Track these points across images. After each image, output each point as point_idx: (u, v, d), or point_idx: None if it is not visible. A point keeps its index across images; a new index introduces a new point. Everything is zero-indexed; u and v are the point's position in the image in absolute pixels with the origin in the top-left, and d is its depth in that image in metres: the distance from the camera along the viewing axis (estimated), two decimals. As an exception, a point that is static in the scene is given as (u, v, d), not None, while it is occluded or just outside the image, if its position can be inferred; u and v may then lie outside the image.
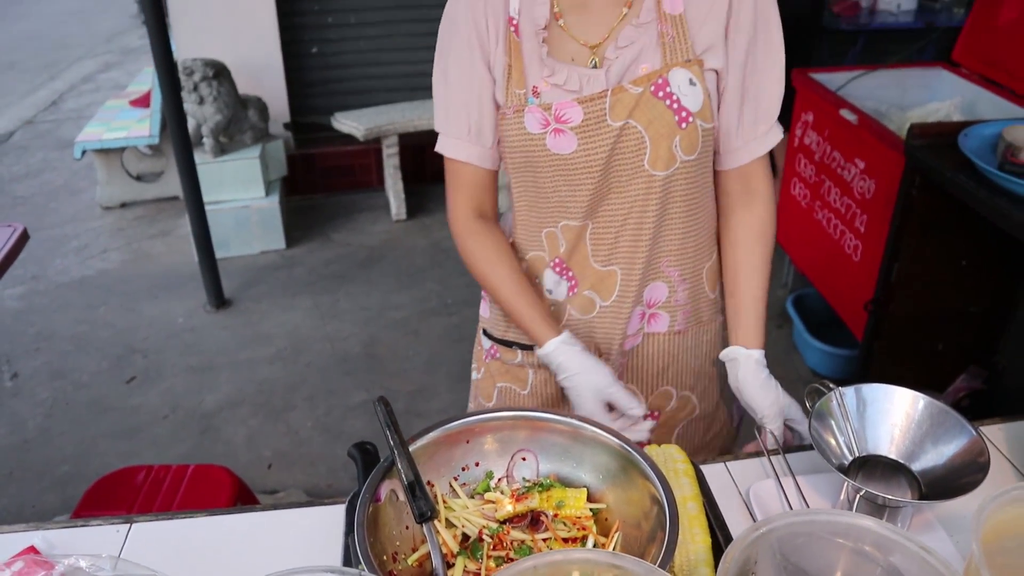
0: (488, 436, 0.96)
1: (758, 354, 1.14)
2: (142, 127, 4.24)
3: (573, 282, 1.19)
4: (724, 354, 1.17)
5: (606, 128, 1.05)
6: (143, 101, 4.51)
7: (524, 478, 0.96)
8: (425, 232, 3.93)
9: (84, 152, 4.22)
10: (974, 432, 0.89)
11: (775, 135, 1.13)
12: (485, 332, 1.33)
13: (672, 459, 0.99)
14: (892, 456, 0.93)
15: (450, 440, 0.95)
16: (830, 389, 0.97)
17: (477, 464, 0.96)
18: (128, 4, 11.88)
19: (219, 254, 3.41)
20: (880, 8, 4.16)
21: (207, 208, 3.28)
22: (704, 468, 1.01)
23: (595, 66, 1.06)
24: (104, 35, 10.36)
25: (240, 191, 3.74)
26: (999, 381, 1.69)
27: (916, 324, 2.24)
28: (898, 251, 2.15)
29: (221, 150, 3.72)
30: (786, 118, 3.37)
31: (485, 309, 1.35)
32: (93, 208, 4.51)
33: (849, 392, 0.96)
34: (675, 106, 1.04)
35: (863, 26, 4.02)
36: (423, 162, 4.38)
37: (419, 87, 4.26)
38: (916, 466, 0.91)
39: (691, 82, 1.04)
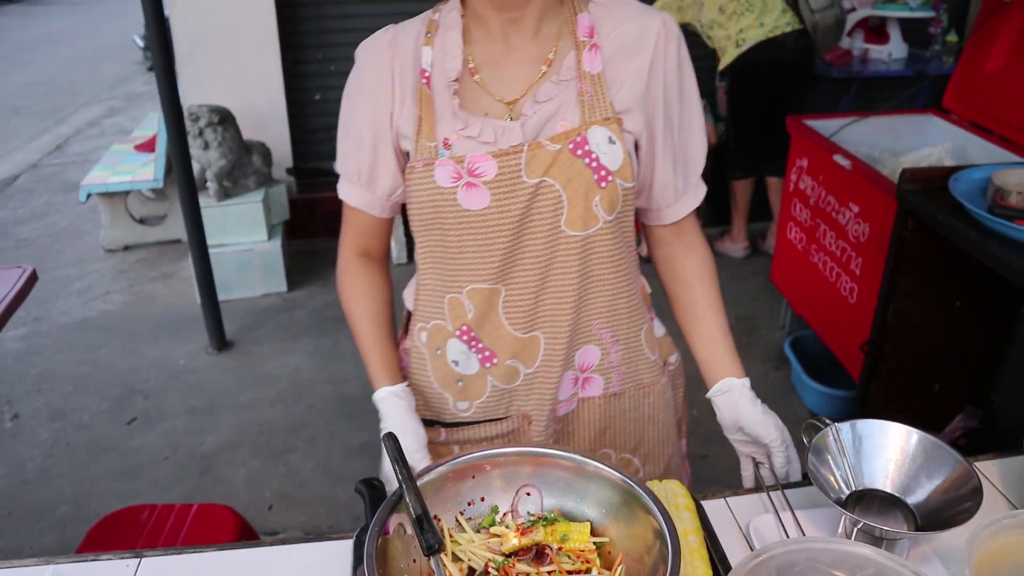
0: (494, 472, 0.98)
1: (748, 382, 1.14)
2: (147, 171, 4.30)
3: (488, 353, 1.13)
4: (716, 389, 1.15)
5: (521, 184, 1.02)
6: (148, 146, 4.59)
7: (529, 512, 0.98)
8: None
9: (89, 195, 4.28)
10: (967, 465, 0.91)
11: (703, 188, 1.17)
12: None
13: (673, 493, 1.01)
14: (888, 490, 0.96)
15: (457, 476, 0.97)
16: (826, 425, 0.99)
17: (483, 499, 0.98)
18: (133, 51, 12.08)
19: (221, 296, 3.44)
20: (871, 57, 4.26)
21: (210, 251, 3.32)
22: (704, 503, 1.03)
23: (511, 119, 1.04)
24: (109, 81, 10.52)
25: (243, 234, 3.78)
26: (995, 420, 1.71)
27: (912, 365, 2.27)
28: (893, 293, 2.19)
29: (225, 194, 3.77)
30: (781, 164, 3.45)
31: None
32: (96, 250, 4.55)
33: (845, 428, 0.99)
34: (594, 164, 1.02)
35: (855, 74, 4.11)
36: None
37: (420, 132, 4.33)
38: (912, 499, 0.94)
39: (610, 140, 1.03)
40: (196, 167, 3.56)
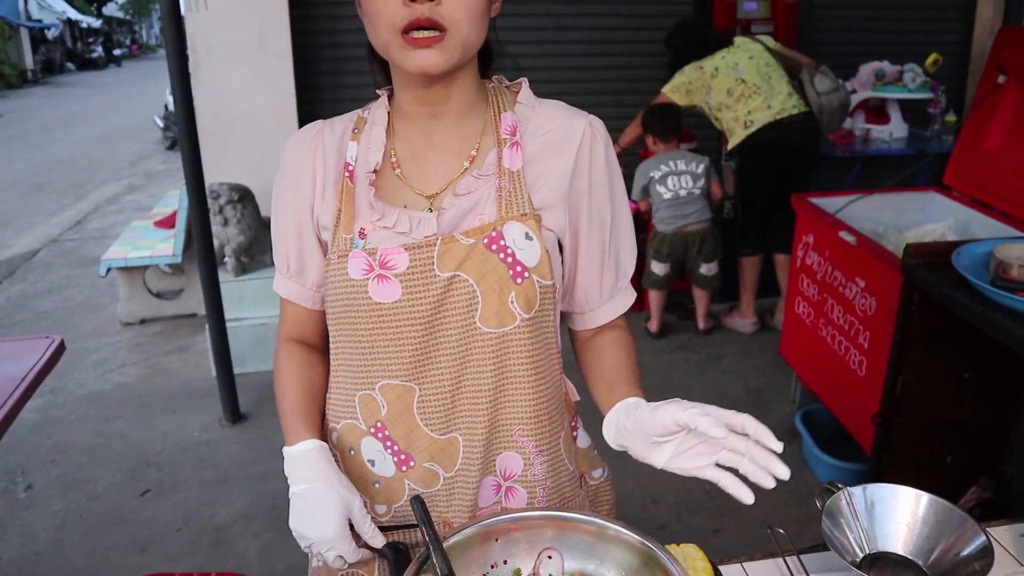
0: (517, 535, 1.00)
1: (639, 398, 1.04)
2: (166, 247, 4.40)
3: (404, 456, 1.07)
4: (605, 427, 1.05)
5: (433, 277, 0.99)
6: (167, 222, 4.70)
7: (551, 575, 1.00)
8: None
9: (109, 269, 4.37)
10: (976, 526, 0.94)
11: (631, 294, 1.14)
12: None
13: (691, 557, 1.03)
14: (902, 553, 0.98)
15: (481, 538, 0.99)
16: (839, 489, 1.02)
17: (506, 562, 1.00)
18: (152, 131, 12.44)
19: (236, 370, 3.48)
20: (873, 136, 4.39)
21: (227, 325, 3.38)
22: (721, 568, 1.05)
23: (430, 211, 1.03)
24: (128, 159, 10.80)
25: (259, 309, 3.85)
26: (1007, 490, 1.72)
27: (923, 437, 2.28)
28: (901, 365, 2.22)
29: (242, 269, 3.86)
30: (788, 240, 3.53)
31: None
32: (113, 324, 4.63)
33: (857, 492, 1.01)
34: (509, 260, 0.99)
35: (858, 153, 4.22)
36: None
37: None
38: (924, 561, 0.96)
39: (527, 236, 1.00)
40: (215, 243, 3.66)
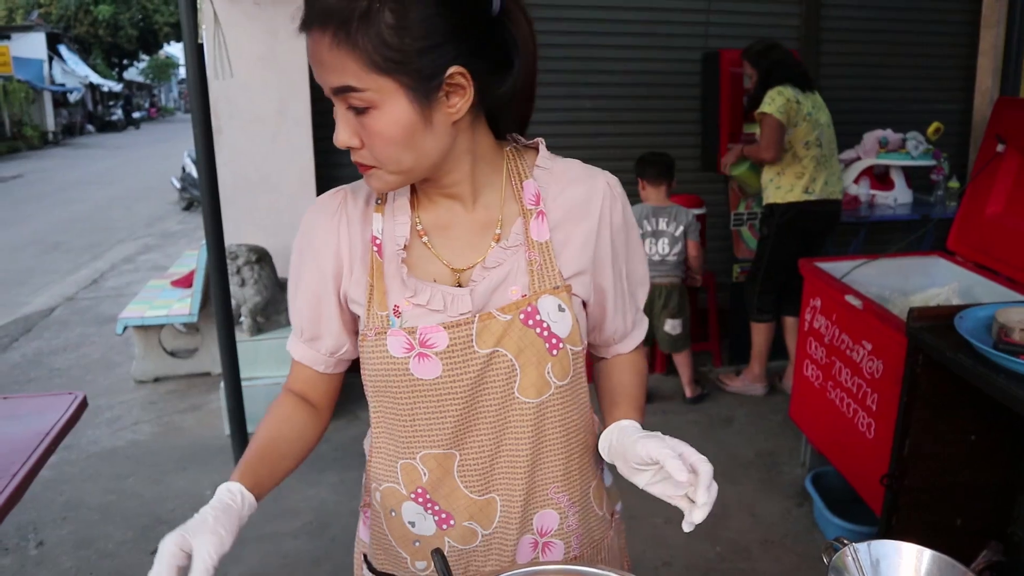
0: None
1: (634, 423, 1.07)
2: (183, 306, 4.48)
3: (444, 515, 1.10)
4: (600, 442, 1.09)
5: (473, 355, 1.01)
6: (184, 281, 4.79)
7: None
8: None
9: (126, 328, 4.44)
10: (979, 584, 0.96)
11: (645, 322, 1.22)
12: (366, 560, 1.18)
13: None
14: (907, 609, 1.00)
15: (499, 590, 1.02)
16: (845, 545, 1.05)
17: (522, 614, 1.03)
18: (168, 191, 12.69)
19: (249, 429, 3.51)
20: (878, 202, 4.47)
21: (242, 384, 3.42)
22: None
23: (459, 285, 1.04)
24: (145, 220, 10.99)
25: (273, 369, 3.90)
26: (1017, 553, 1.73)
27: (933, 498, 2.29)
28: (908, 427, 2.24)
29: (258, 329, 3.92)
30: (796, 304, 3.58)
31: (364, 531, 1.25)
32: (127, 382, 4.67)
33: (863, 548, 1.04)
34: (545, 334, 1.02)
35: (863, 219, 4.29)
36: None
37: (445, 270, 4.51)
38: (929, 617, 0.98)
39: (560, 308, 1.03)
40: (232, 303, 3.72)
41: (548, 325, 1.03)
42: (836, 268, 3.05)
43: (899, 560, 1.03)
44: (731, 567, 2.75)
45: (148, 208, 11.99)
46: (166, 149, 21.78)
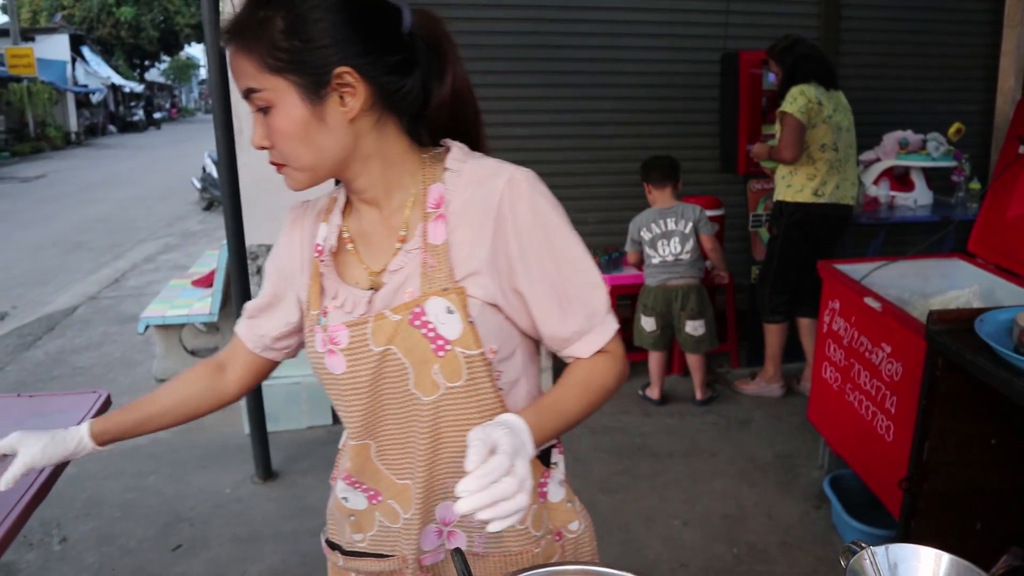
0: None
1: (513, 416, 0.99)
2: (203, 305, 4.52)
3: (372, 492, 1.18)
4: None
5: (369, 352, 1.08)
6: (205, 281, 4.84)
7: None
8: (466, 408, 4.06)
9: (147, 327, 4.49)
10: (997, 587, 0.96)
11: (609, 325, 1.12)
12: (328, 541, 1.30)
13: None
14: (925, 613, 1.00)
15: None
16: (862, 548, 1.05)
17: (539, 613, 1.04)
18: (189, 192, 12.80)
19: (268, 427, 3.54)
20: (898, 204, 4.44)
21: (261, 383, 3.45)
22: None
23: (373, 289, 1.11)
24: (166, 220, 11.09)
25: (292, 368, 3.92)
26: (1036, 559, 1.72)
27: (952, 503, 2.28)
28: (927, 431, 2.23)
29: (277, 327, 3.95)
30: (811, 305, 3.57)
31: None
32: (148, 380, 4.72)
33: (881, 551, 1.04)
34: (431, 335, 1.05)
35: (883, 220, 4.27)
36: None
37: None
38: (947, 621, 0.98)
39: (448, 310, 1.05)
40: (252, 301, 3.76)
41: (435, 327, 1.05)
42: (855, 270, 3.03)
43: (917, 564, 1.03)
44: (748, 569, 2.75)
45: (169, 208, 12.11)
46: (187, 149, 21.97)
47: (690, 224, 3.88)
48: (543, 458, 1.21)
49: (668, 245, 3.90)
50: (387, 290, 1.09)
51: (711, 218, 4.26)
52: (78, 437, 1.21)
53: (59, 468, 1.72)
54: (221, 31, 1.03)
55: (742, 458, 3.51)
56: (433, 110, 1.11)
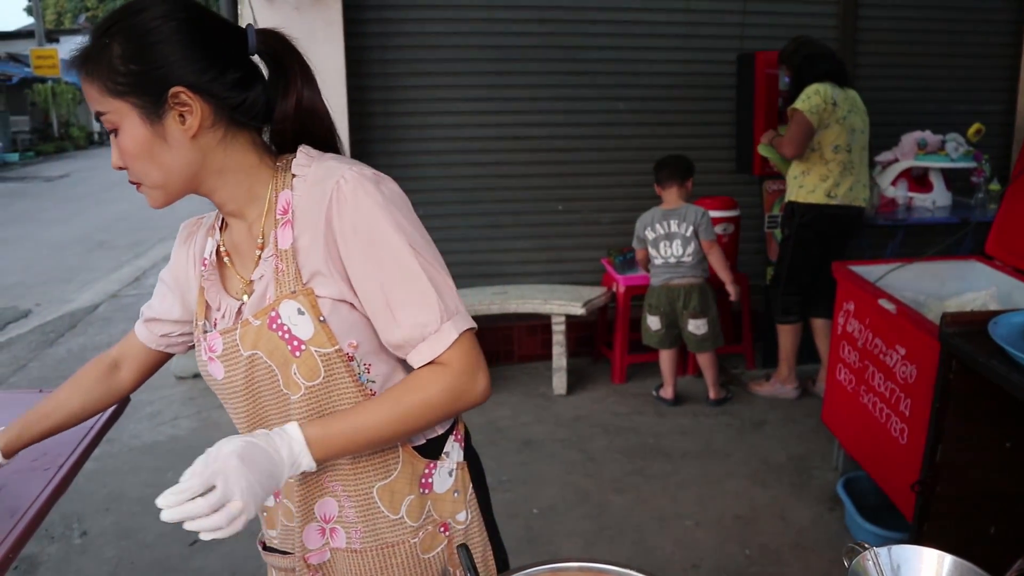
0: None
1: (295, 435, 1.04)
2: (222, 303, 4.56)
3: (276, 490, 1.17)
4: None
5: (239, 357, 1.13)
6: (224, 279, 4.88)
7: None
8: (481, 410, 4.06)
9: (166, 325, 4.54)
10: (998, 589, 0.97)
11: (444, 338, 1.09)
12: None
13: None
14: (927, 613, 1.01)
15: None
16: (865, 549, 1.06)
17: (542, 609, 1.06)
18: (209, 191, 12.90)
19: (285, 423, 3.57)
20: (916, 205, 4.41)
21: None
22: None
23: (246, 296, 1.17)
24: (185, 218, 11.12)
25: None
26: (1049, 563, 1.71)
27: (965, 506, 2.27)
28: (941, 433, 2.23)
29: (294, 325, 3.99)
30: (825, 306, 3.56)
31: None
32: (167, 377, 4.78)
33: (883, 552, 1.05)
34: (287, 336, 1.09)
35: (900, 221, 4.24)
36: (481, 343, 4.58)
37: (478, 274, 4.56)
38: (948, 622, 0.99)
39: (299, 312, 1.08)
40: (270, 300, 3.80)
41: (289, 328, 1.09)
42: (870, 271, 3.02)
43: (920, 565, 1.03)
44: (761, 571, 2.75)
45: (189, 206, 12.00)
46: (207, 149, 22.10)
47: (691, 228, 3.88)
48: (430, 449, 1.21)
49: (670, 247, 3.91)
50: (253, 298, 1.15)
51: (726, 219, 4.27)
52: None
53: (79, 463, 1.76)
54: (69, 60, 1.10)
55: (756, 459, 3.50)
56: (277, 122, 1.16)
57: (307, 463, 1.03)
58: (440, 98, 4.42)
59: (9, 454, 1.34)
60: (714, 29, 4.56)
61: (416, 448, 1.19)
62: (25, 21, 36.25)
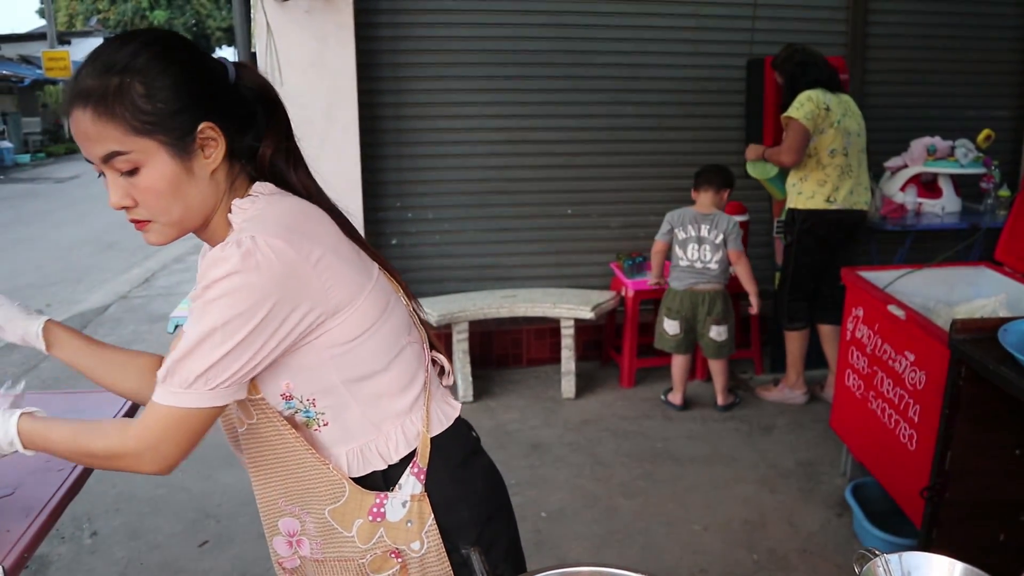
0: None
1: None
2: (231, 305, 4.58)
3: None
4: None
5: None
6: (233, 282, 4.90)
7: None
8: (490, 414, 4.09)
9: (177, 326, 4.56)
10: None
11: (167, 397, 1.06)
12: None
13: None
14: (937, 620, 1.01)
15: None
16: (876, 555, 1.06)
17: (553, 613, 1.06)
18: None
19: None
20: (925, 211, 4.40)
21: (288, 381, 3.50)
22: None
23: None
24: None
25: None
26: (1058, 571, 1.71)
27: (975, 513, 2.27)
28: (950, 440, 2.23)
29: (303, 328, 4.00)
30: (833, 312, 3.56)
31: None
32: (177, 379, 4.80)
33: (894, 559, 1.05)
34: None
35: (909, 227, 4.24)
36: (490, 347, 4.62)
37: (487, 277, 4.57)
38: (958, 628, 0.99)
39: None
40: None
41: None
42: (879, 277, 3.02)
43: (930, 572, 1.04)
44: (769, 576, 2.75)
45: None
46: (216, 151, 22.17)
47: (720, 235, 3.89)
48: (384, 480, 1.22)
49: (698, 251, 3.91)
50: None
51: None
52: (34, 328, 1.28)
53: (90, 467, 1.77)
54: (68, 98, 1.05)
55: (764, 464, 3.50)
56: (260, 158, 1.18)
57: (18, 446, 1.16)
58: (451, 101, 4.44)
59: (50, 347, 1.31)
60: (724, 34, 4.56)
61: (358, 480, 1.21)
62: (37, 23, 36.47)
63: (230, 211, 1.13)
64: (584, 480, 3.43)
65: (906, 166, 4.42)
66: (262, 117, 1.18)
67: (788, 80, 3.85)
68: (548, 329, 4.60)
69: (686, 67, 4.58)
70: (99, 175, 1.10)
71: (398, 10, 4.29)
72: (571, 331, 4.20)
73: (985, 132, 4.33)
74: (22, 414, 1.17)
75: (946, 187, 4.44)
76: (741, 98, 4.58)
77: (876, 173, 4.42)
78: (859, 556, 1.08)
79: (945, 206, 4.41)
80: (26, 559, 1.34)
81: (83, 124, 1.04)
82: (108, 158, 1.05)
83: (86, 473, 1.70)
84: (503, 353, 4.69)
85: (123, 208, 1.09)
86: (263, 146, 1.18)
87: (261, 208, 1.11)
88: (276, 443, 1.20)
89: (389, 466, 1.21)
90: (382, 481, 1.22)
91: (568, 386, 4.28)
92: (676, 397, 4.12)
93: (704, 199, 3.95)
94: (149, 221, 1.10)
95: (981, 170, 4.36)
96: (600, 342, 4.77)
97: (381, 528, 1.22)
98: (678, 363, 4.08)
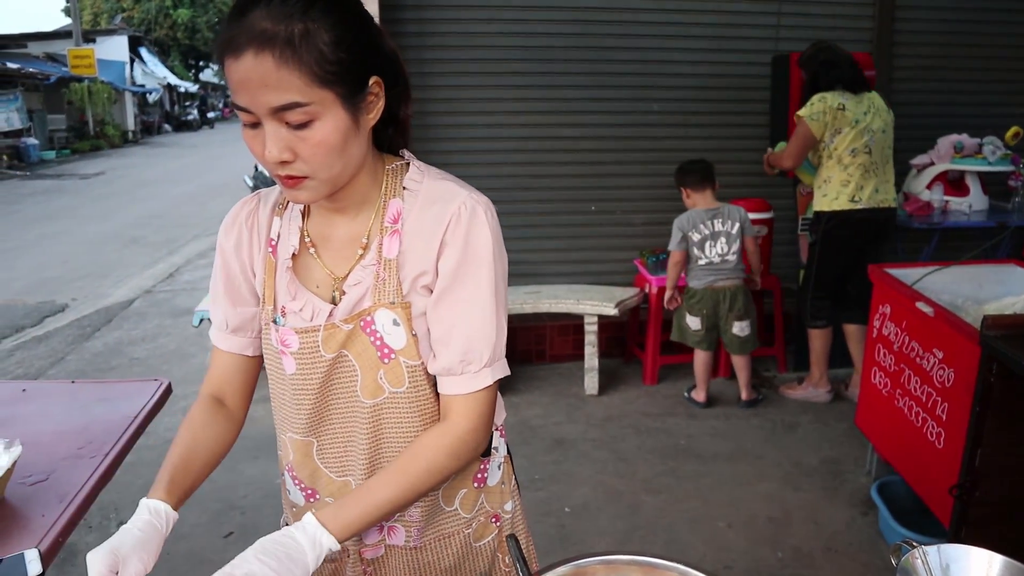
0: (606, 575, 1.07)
1: (315, 528, 1.03)
2: (256, 299, 4.62)
3: (310, 491, 1.22)
4: None
5: (320, 358, 1.12)
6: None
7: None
8: (514, 410, 4.09)
9: (202, 320, 4.60)
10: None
11: (479, 381, 1.11)
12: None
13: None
14: (975, 612, 1.00)
15: None
16: (914, 547, 1.05)
17: (591, 600, 1.07)
18: (240, 189, 13.02)
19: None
20: (952, 208, 4.36)
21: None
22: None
23: (334, 300, 1.13)
24: (217, 216, 11.24)
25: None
26: (1091, 569, 1.69)
27: (1005, 511, 2.25)
28: (980, 437, 2.21)
29: (327, 322, 4.02)
30: (859, 312, 3.52)
31: None
32: (201, 372, 4.82)
33: (932, 551, 1.05)
34: (378, 343, 1.10)
35: (936, 225, 4.20)
36: (514, 343, 4.62)
37: (511, 274, 4.44)
38: (997, 621, 0.98)
39: (395, 323, 1.10)
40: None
41: (381, 336, 1.10)
42: (906, 274, 3.00)
43: (969, 565, 1.03)
44: (793, 574, 2.73)
45: (221, 205, 12.32)
46: (239, 148, 22.24)
47: (737, 225, 3.88)
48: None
49: (716, 246, 3.90)
50: (346, 302, 1.12)
51: (759, 221, 4.25)
52: (165, 517, 1.10)
53: (124, 451, 1.80)
54: (236, 40, 0.95)
55: (788, 462, 3.48)
56: (403, 121, 1.17)
57: (328, 542, 1.02)
58: (476, 98, 4.44)
59: (177, 506, 1.14)
60: (749, 30, 4.54)
61: None
62: (63, 22, 36.90)
63: (386, 173, 1.14)
64: (607, 476, 3.43)
65: (933, 163, 4.38)
66: (404, 79, 1.14)
67: (810, 79, 3.82)
68: (572, 325, 4.59)
69: (711, 63, 4.56)
70: (250, 125, 1.00)
71: (424, 7, 4.30)
72: (595, 327, 4.20)
73: (1014, 129, 4.28)
74: (314, 513, 1.04)
75: (973, 185, 4.39)
76: (766, 95, 4.55)
77: (902, 170, 4.38)
78: (895, 549, 1.07)
79: (972, 204, 4.37)
80: (60, 543, 1.36)
81: (259, 70, 0.94)
82: (283, 109, 0.96)
83: (117, 461, 1.72)
84: (527, 349, 4.69)
85: (283, 162, 1.00)
86: (403, 109, 1.16)
87: (440, 173, 1.15)
88: (415, 414, 1.14)
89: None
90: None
91: (591, 382, 4.28)
92: (699, 394, 4.11)
93: (705, 196, 3.93)
94: (306, 178, 1.02)
95: (1009, 168, 4.32)
96: (623, 339, 4.76)
97: (482, 495, 1.26)
98: (701, 359, 4.07)
